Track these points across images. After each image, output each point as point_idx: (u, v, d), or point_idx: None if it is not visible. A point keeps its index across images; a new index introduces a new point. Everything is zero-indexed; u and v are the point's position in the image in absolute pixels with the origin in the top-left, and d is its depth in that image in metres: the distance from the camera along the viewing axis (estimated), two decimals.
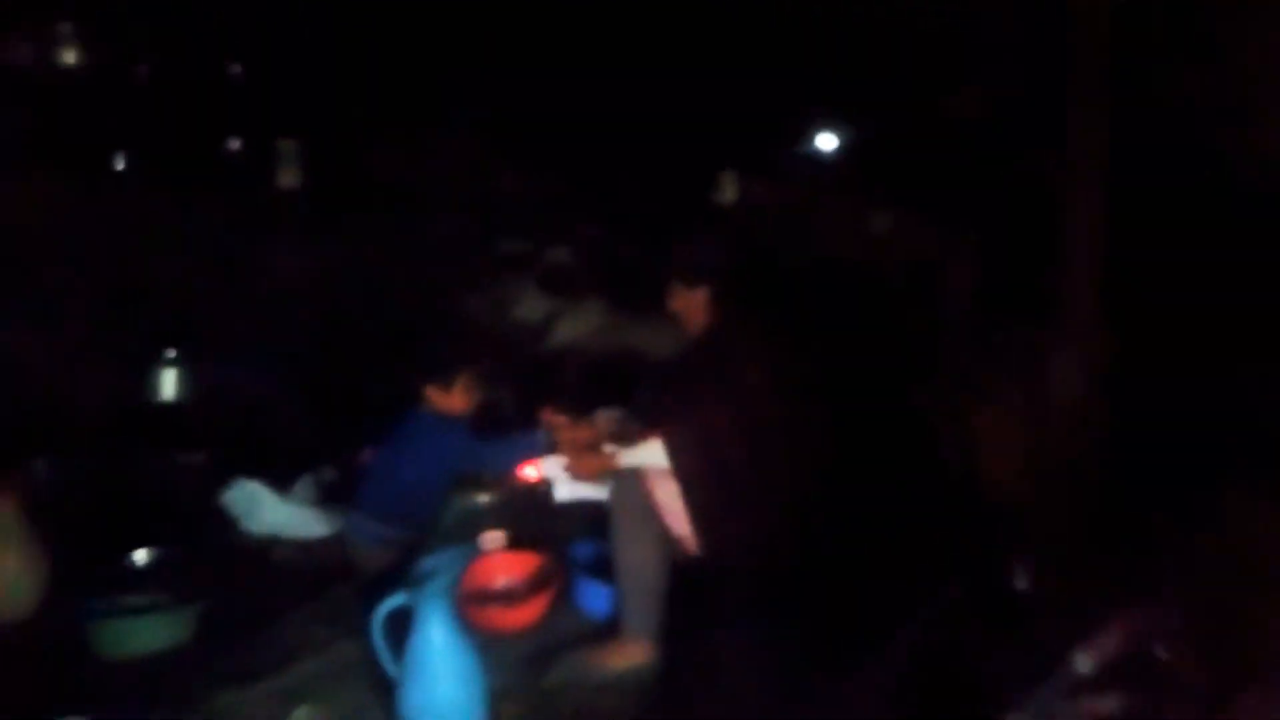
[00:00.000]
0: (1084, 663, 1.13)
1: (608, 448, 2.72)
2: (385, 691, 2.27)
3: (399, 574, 2.66)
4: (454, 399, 3.20)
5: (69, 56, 4.12)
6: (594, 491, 2.94)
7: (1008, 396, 2.01)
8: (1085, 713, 1.09)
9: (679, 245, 2.69)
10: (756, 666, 2.21)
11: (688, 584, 2.55)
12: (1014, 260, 2.48)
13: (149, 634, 2.67)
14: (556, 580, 2.85)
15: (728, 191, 4.69)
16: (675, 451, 2.45)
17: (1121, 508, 1.43)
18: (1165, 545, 1.13)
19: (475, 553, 2.40)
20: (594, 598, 2.79)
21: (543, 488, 3.07)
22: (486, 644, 2.30)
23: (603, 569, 2.88)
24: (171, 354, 4.25)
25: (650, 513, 2.49)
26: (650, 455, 2.50)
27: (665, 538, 2.51)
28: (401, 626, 2.18)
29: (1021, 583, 2.20)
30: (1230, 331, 1.42)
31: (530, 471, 3.17)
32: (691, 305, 2.66)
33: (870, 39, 4.00)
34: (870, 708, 1.89)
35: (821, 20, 4.25)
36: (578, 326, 4.76)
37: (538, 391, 4.03)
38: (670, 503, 2.47)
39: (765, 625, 2.29)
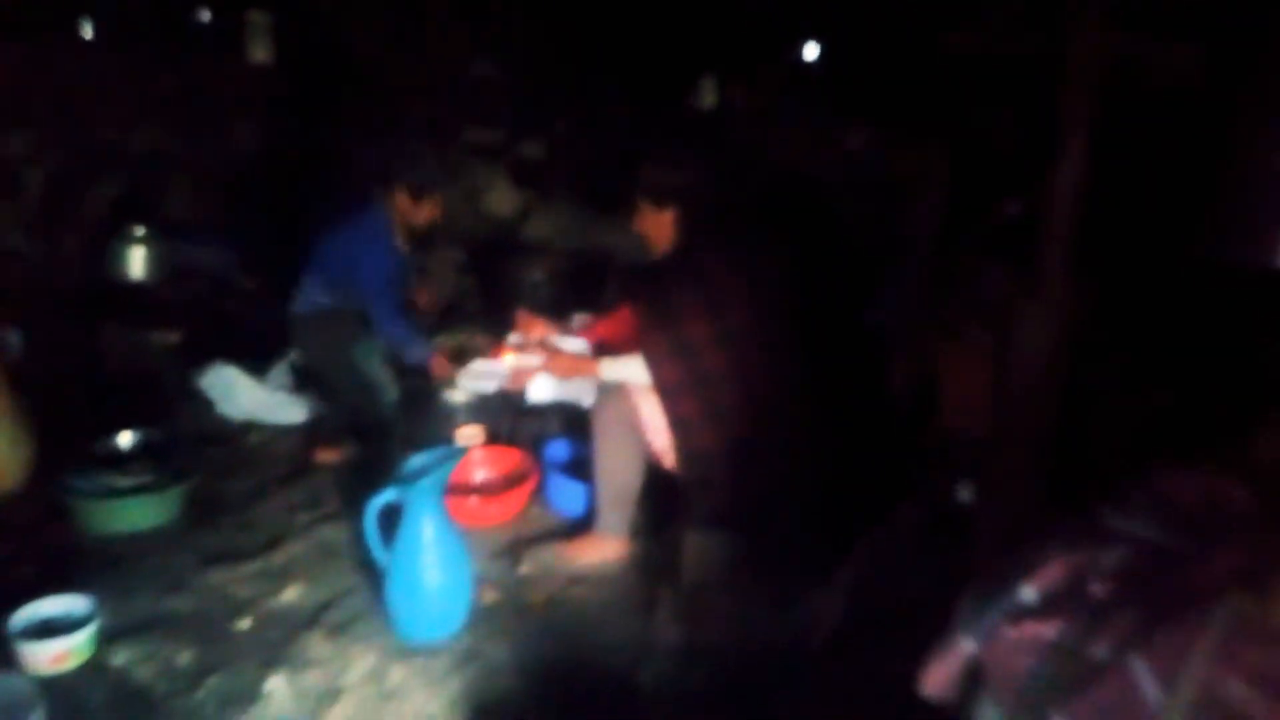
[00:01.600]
0: (1027, 592, 1.29)
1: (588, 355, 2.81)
2: (371, 574, 2.41)
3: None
4: (419, 210, 3.34)
5: None
6: (568, 392, 3.05)
7: (971, 331, 2.15)
8: (1025, 635, 1.25)
9: (645, 166, 2.65)
10: (721, 571, 2.38)
11: (660, 490, 2.70)
12: (992, 197, 2.56)
13: (135, 514, 2.76)
14: (532, 476, 2.99)
15: (706, 97, 4.67)
16: (654, 364, 2.53)
17: (1073, 455, 1.58)
18: (1108, 492, 1.29)
19: (461, 452, 2.50)
20: (567, 495, 2.94)
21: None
22: (466, 535, 2.43)
23: (576, 467, 3.04)
24: (140, 231, 4.21)
25: (631, 425, 2.59)
26: (632, 371, 2.58)
27: (643, 449, 2.63)
28: (390, 518, 2.31)
29: (965, 497, 2.39)
30: (1200, 295, 1.52)
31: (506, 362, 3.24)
32: (659, 225, 2.66)
33: None
34: (824, 615, 2.08)
35: None
36: (547, 223, 4.79)
37: (510, 288, 4.10)
38: (651, 418, 2.57)
39: (732, 532, 2.46)
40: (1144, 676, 1.11)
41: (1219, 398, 1.43)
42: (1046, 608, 1.24)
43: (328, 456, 3.26)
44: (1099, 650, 1.16)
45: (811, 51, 4.60)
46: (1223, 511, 1.28)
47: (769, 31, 4.62)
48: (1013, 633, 1.24)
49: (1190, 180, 1.46)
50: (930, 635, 1.38)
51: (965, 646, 1.32)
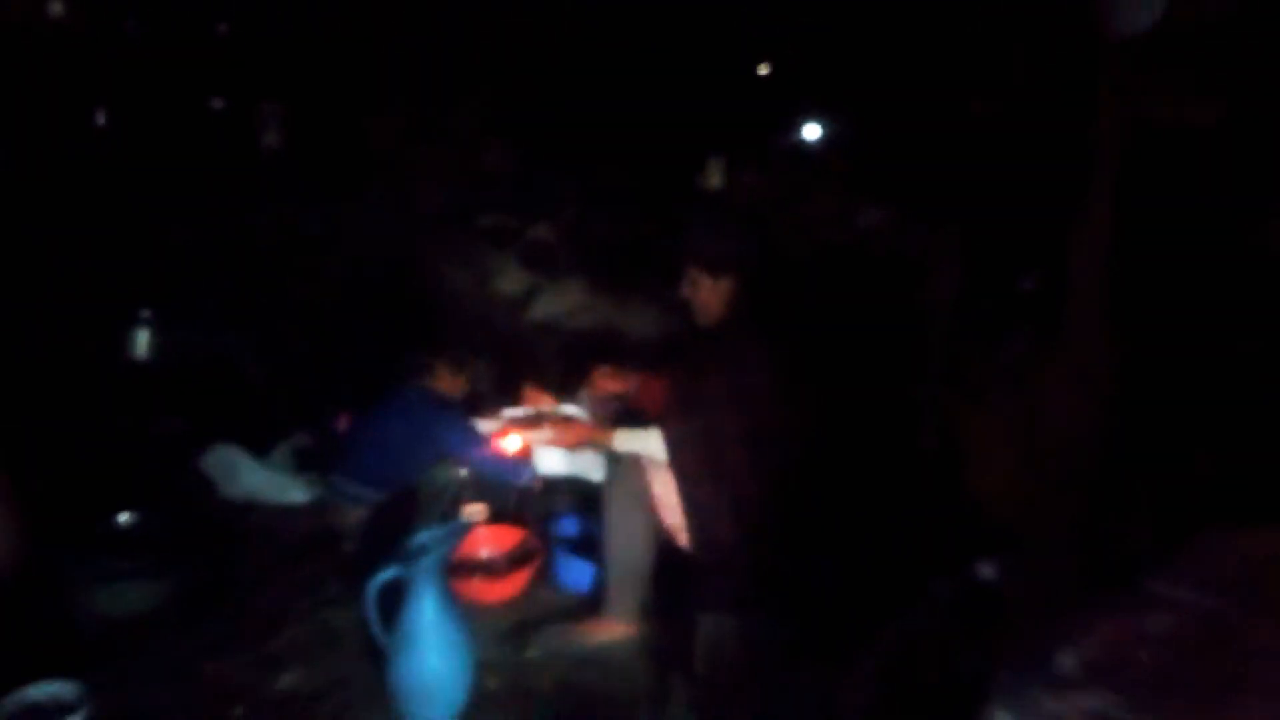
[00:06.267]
0: (1068, 661, 1.21)
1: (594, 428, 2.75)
2: (371, 659, 2.31)
3: (380, 540, 2.72)
4: (455, 381, 3.32)
5: (56, 9, 4.04)
6: (576, 468, 2.99)
7: (1001, 403, 2.08)
8: (1068, 706, 1.17)
9: (699, 233, 2.60)
10: (739, 655, 2.28)
11: (672, 569, 2.61)
12: (1018, 266, 2.53)
13: (133, 598, 2.67)
14: (538, 554, 2.90)
15: (713, 178, 4.72)
16: (675, 447, 2.46)
17: (1111, 518, 1.51)
18: (1152, 554, 1.22)
19: (466, 528, 2.43)
20: (575, 573, 2.85)
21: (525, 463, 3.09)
22: (470, 615, 2.35)
23: (583, 545, 2.95)
24: (147, 314, 4.22)
25: (643, 500, 2.52)
26: (649, 445, 2.51)
27: (655, 524, 2.55)
28: (391, 598, 2.22)
29: (989, 575, 2.30)
30: (1230, 355, 1.48)
31: (513, 442, 3.19)
32: (713, 295, 2.58)
33: (874, 32, 4.03)
34: (853, 700, 1.97)
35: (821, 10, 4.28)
36: (557, 302, 4.80)
37: (519, 367, 4.06)
38: (665, 495, 2.50)
39: (750, 616, 2.36)
40: None
41: (1264, 461, 1.36)
42: (1091, 677, 1.15)
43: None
44: None
45: (812, 132, 4.64)
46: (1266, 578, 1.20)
47: (776, 111, 4.69)
48: (1054, 705, 1.15)
49: (1219, 232, 1.43)
50: (965, 715, 1.29)
51: None
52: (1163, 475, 1.53)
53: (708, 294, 2.59)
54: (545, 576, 2.93)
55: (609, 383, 2.96)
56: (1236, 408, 1.42)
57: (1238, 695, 1.03)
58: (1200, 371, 1.44)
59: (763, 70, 5.10)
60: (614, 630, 2.57)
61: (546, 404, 3.05)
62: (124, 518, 2.96)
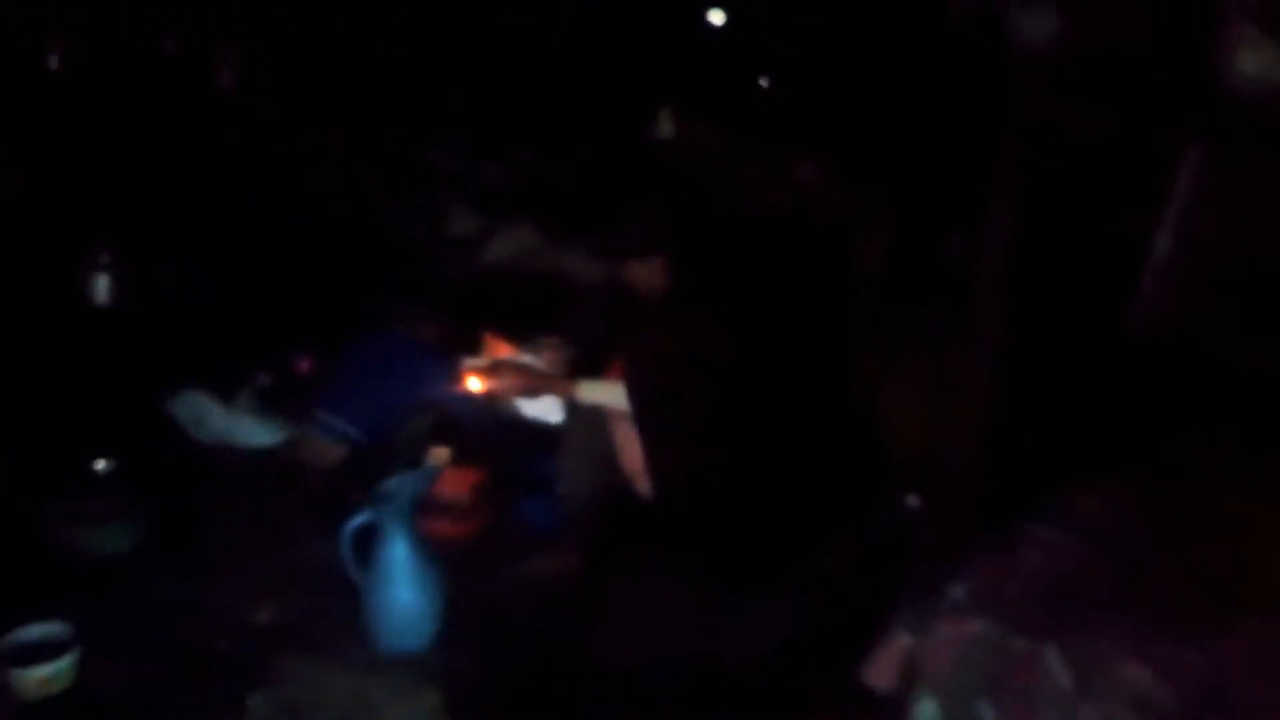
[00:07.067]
0: (957, 591, 1.45)
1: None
2: (346, 594, 2.48)
3: (357, 477, 2.88)
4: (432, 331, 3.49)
5: None
6: (535, 409, 3.16)
7: (908, 364, 2.30)
8: (955, 629, 1.41)
9: (624, 224, 2.70)
10: (683, 587, 2.51)
11: (626, 509, 2.82)
12: (941, 233, 2.71)
13: (114, 540, 2.81)
14: (499, 494, 3.09)
15: (664, 127, 4.83)
16: (640, 403, 2.60)
17: (1000, 477, 1.74)
18: (1027, 506, 1.45)
19: (434, 474, 2.61)
20: (535, 510, 3.04)
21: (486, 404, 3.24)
22: (438, 552, 2.52)
23: (543, 484, 3.14)
24: (105, 258, 4.24)
25: (603, 448, 2.71)
26: (612, 397, 2.67)
27: (613, 471, 2.74)
28: (364, 538, 2.41)
29: (914, 504, 2.54)
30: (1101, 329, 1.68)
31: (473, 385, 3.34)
32: (650, 274, 2.70)
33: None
34: (778, 625, 2.22)
35: None
36: (507, 246, 4.90)
37: (477, 311, 4.19)
38: (625, 443, 2.68)
39: (696, 549, 2.59)
40: (1056, 663, 1.26)
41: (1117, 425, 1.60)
42: (974, 605, 1.38)
43: None
44: (1019, 641, 1.31)
45: (763, 81, 4.75)
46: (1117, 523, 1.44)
47: (727, 66, 4.79)
48: (944, 628, 1.38)
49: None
50: (873, 636, 1.52)
51: (904, 640, 1.47)
52: (1039, 434, 1.76)
53: (644, 275, 2.72)
54: (507, 514, 3.12)
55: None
56: (1099, 377, 1.64)
57: (1083, 616, 1.27)
58: (1075, 343, 1.65)
59: (715, 19, 5.17)
60: (572, 565, 2.79)
61: (505, 352, 3.20)
62: (100, 464, 3.07)
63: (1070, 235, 1.47)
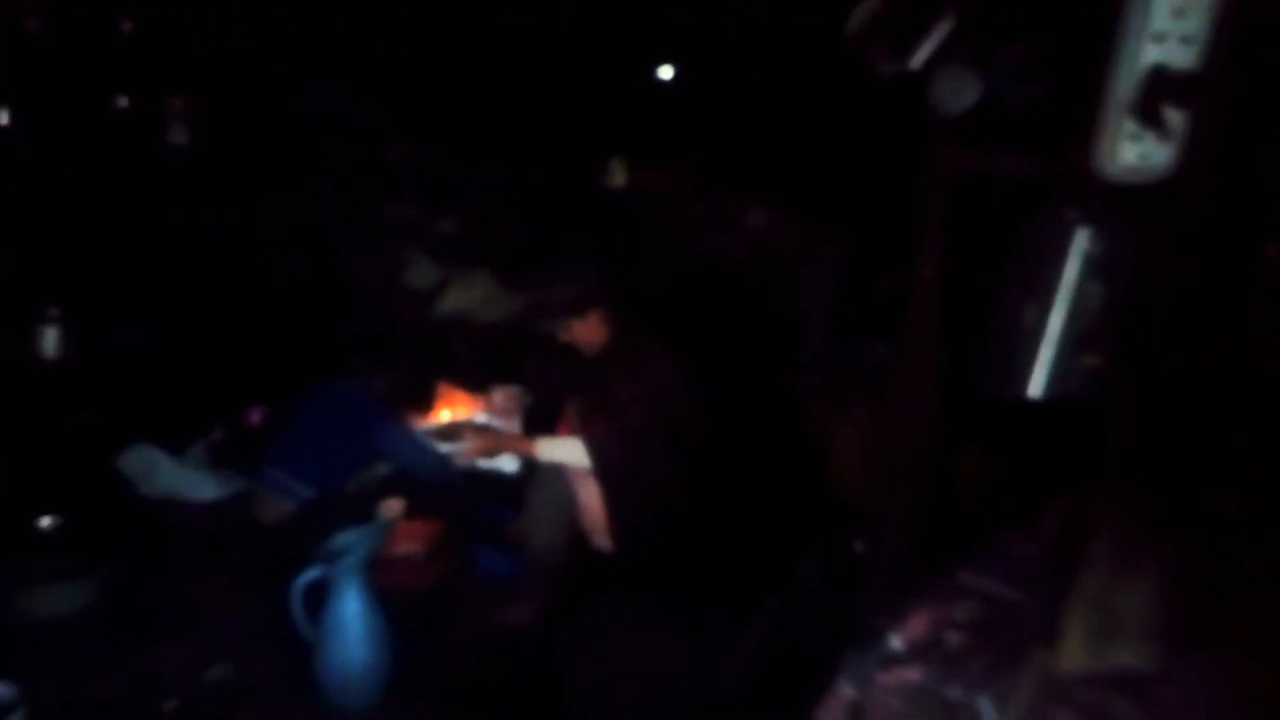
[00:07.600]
0: (896, 642, 1.48)
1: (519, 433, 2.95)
2: (297, 652, 2.46)
3: (307, 534, 2.85)
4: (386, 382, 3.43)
5: None
6: (491, 463, 3.18)
7: (855, 407, 2.36)
8: (894, 680, 1.44)
9: (544, 286, 2.78)
10: (639, 635, 2.53)
11: (585, 564, 2.83)
12: (883, 272, 2.77)
13: (61, 599, 2.76)
14: (455, 546, 3.09)
15: (616, 176, 4.90)
16: (597, 450, 2.65)
17: (943, 521, 1.79)
18: (963, 553, 1.50)
19: (386, 528, 2.61)
20: (492, 563, 3.04)
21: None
22: (391, 606, 2.51)
23: (499, 535, 3.15)
24: (55, 312, 4.20)
25: (564, 504, 2.73)
26: (571, 454, 2.71)
27: (573, 527, 2.77)
28: (315, 594, 2.39)
29: (860, 549, 2.58)
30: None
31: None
32: (587, 330, 2.77)
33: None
34: (734, 670, 2.24)
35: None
36: (466, 296, 4.92)
37: (433, 363, 4.21)
38: (586, 499, 2.71)
39: (652, 598, 2.60)
40: (988, 713, 1.30)
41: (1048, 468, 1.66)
42: (912, 655, 1.42)
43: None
44: (954, 691, 1.35)
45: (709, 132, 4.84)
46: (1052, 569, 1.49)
47: (677, 112, 4.89)
48: (884, 678, 1.41)
49: None
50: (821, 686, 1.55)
51: (847, 692, 1.49)
52: (973, 478, 1.82)
53: (582, 331, 2.79)
54: (465, 565, 3.12)
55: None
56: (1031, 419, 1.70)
57: (1015, 664, 1.32)
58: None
59: (664, 74, 5.30)
60: (527, 617, 2.79)
61: (462, 406, 3.22)
62: (46, 521, 3.03)
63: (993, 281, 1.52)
